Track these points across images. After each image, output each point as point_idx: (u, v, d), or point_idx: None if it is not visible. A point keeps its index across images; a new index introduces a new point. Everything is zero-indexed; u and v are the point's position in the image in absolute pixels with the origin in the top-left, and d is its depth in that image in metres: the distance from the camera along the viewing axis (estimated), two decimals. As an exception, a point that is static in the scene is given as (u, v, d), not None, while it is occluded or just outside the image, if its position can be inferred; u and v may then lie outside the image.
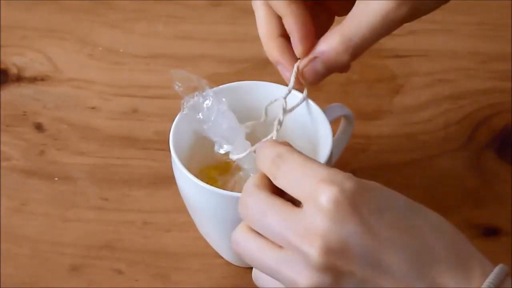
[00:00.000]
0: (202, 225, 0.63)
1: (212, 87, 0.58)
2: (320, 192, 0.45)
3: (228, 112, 0.57)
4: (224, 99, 0.57)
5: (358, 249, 0.44)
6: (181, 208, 0.63)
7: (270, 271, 0.46)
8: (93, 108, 0.76)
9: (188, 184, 0.58)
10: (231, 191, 0.57)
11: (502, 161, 0.71)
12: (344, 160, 0.69)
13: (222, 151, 0.58)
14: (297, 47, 0.55)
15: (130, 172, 0.71)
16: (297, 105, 0.59)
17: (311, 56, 0.55)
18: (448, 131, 0.74)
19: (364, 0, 0.53)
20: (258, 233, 0.47)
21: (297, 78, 0.56)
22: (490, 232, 0.66)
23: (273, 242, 0.46)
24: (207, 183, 0.56)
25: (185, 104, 0.57)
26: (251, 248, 0.47)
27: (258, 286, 0.49)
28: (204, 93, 0.57)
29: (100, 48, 0.82)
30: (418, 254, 0.45)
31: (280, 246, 0.46)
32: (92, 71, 0.79)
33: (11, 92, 0.77)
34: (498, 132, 0.73)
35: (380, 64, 0.80)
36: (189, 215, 0.63)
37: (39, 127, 0.74)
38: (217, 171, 0.63)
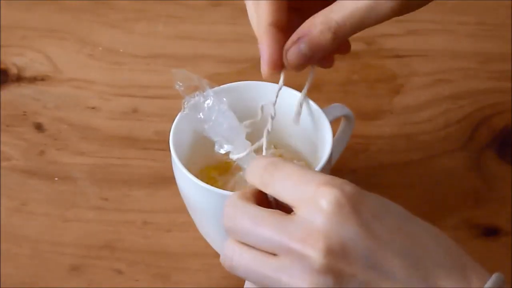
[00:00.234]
0: (202, 225, 0.63)
1: (213, 87, 0.58)
2: (321, 195, 0.45)
3: (229, 111, 0.57)
4: (225, 99, 0.57)
5: (359, 251, 0.44)
6: (181, 208, 0.63)
7: (269, 281, 0.45)
8: (93, 108, 0.76)
9: (188, 184, 0.58)
10: (231, 191, 0.57)
11: (502, 161, 0.71)
12: (344, 160, 0.69)
13: (222, 151, 0.58)
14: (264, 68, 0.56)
15: (130, 172, 0.71)
16: (278, 91, 0.59)
17: (294, 37, 0.55)
18: (448, 131, 0.74)
19: None
20: (249, 246, 0.46)
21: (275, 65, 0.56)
22: (490, 232, 0.66)
23: (266, 252, 0.45)
24: (207, 183, 0.56)
25: (186, 103, 0.57)
26: (246, 261, 0.46)
27: None
28: (205, 93, 0.57)
29: (100, 48, 0.82)
30: (419, 258, 0.45)
31: (274, 255, 0.45)
32: (92, 71, 0.79)
33: (11, 92, 0.77)
34: (498, 132, 0.73)
35: (380, 64, 0.80)
36: (189, 215, 0.63)
37: (39, 127, 0.74)
38: (217, 171, 0.63)
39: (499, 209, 0.68)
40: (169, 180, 0.63)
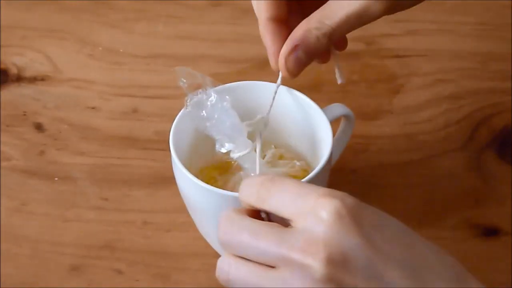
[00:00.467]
0: (202, 225, 0.63)
1: (217, 85, 0.58)
2: (321, 206, 0.44)
3: (231, 110, 0.57)
4: (227, 97, 0.57)
5: (360, 262, 0.44)
6: (181, 208, 0.63)
7: None
8: (93, 108, 0.76)
9: (188, 184, 0.58)
10: (231, 191, 0.57)
11: (502, 161, 0.71)
12: (344, 160, 0.69)
13: (223, 150, 0.58)
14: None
15: (130, 172, 0.71)
16: (276, 90, 0.59)
17: (290, 45, 0.55)
18: (448, 131, 0.74)
19: None
20: (245, 259, 0.46)
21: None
22: (490, 232, 0.66)
23: (264, 265, 0.45)
24: (207, 183, 0.56)
25: (188, 101, 0.57)
26: (243, 274, 0.45)
27: None
28: (208, 91, 0.57)
29: (100, 48, 0.82)
30: (418, 270, 0.45)
31: (273, 267, 0.45)
32: (92, 71, 0.79)
33: (11, 92, 0.77)
34: (498, 132, 0.73)
35: (380, 64, 0.80)
36: (189, 215, 0.63)
37: (39, 127, 0.74)
38: (217, 171, 0.63)
39: (499, 209, 0.68)
40: (169, 180, 0.63)
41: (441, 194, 0.69)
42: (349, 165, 0.71)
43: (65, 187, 0.69)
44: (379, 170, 0.71)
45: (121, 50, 0.81)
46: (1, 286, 0.63)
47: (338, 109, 0.63)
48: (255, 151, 0.58)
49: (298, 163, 0.63)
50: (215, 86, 0.58)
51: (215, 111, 0.56)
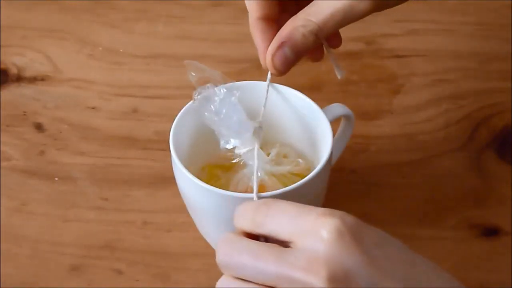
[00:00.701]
0: (202, 225, 0.63)
1: (226, 79, 0.58)
2: (321, 225, 0.44)
3: (239, 106, 0.57)
4: (235, 91, 0.57)
5: (362, 279, 0.43)
6: (181, 208, 0.63)
7: None
8: (93, 108, 0.76)
9: (188, 184, 0.58)
10: (235, 188, 0.57)
11: (502, 161, 0.71)
12: (344, 160, 0.69)
13: (228, 146, 0.58)
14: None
15: (130, 172, 0.71)
16: (267, 88, 0.59)
17: (276, 42, 0.55)
18: (448, 131, 0.74)
19: None
20: (245, 280, 0.46)
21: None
22: (490, 232, 0.66)
23: (265, 285, 0.45)
24: (210, 180, 0.56)
25: (197, 95, 0.57)
26: None
27: None
28: (216, 85, 0.57)
29: (100, 48, 0.82)
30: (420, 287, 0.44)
31: None
32: (92, 71, 0.79)
33: (11, 92, 0.77)
34: (498, 132, 0.73)
35: (380, 64, 0.80)
36: (189, 215, 0.63)
37: (39, 127, 0.74)
38: (220, 169, 0.63)
39: (499, 209, 0.68)
40: (169, 180, 0.63)
41: (441, 194, 0.69)
42: (349, 165, 0.71)
43: (65, 187, 0.70)
44: (379, 170, 0.71)
45: (121, 50, 0.81)
46: (1, 286, 0.63)
47: (338, 109, 0.63)
48: (261, 148, 0.58)
49: (302, 161, 0.63)
50: (225, 81, 0.58)
51: (223, 106, 0.56)
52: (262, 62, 0.57)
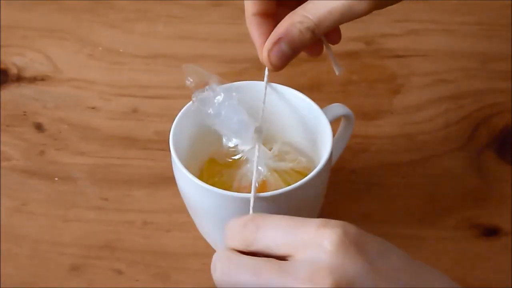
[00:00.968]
0: (202, 225, 0.63)
1: (223, 83, 0.58)
2: (323, 236, 0.44)
3: (239, 106, 0.57)
4: (234, 94, 0.57)
5: (367, 287, 0.43)
6: (181, 208, 0.63)
7: None
8: (93, 108, 0.76)
9: (188, 184, 0.58)
10: (239, 183, 0.57)
11: (502, 161, 0.71)
12: (344, 160, 0.69)
13: (231, 144, 0.58)
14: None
15: (130, 172, 0.71)
16: (265, 87, 0.59)
17: (274, 37, 0.55)
18: (448, 131, 0.74)
19: None
20: None
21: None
22: (490, 232, 0.66)
23: None
24: (212, 177, 0.56)
25: (195, 98, 0.57)
26: None
27: None
28: (214, 88, 0.57)
29: (100, 48, 0.82)
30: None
31: None
32: (92, 71, 0.79)
33: (11, 92, 0.77)
34: (498, 132, 0.73)
35: (380, 64, 0.80)
36: (189, 215, 0.63)
37: (39, 127, 0.74)
38: (222, 166, 0.63)
39: (499, 209, 0.68)
40: (169, 180, 0.63)
41: (441, 194, 0.69)
42: (349, 165, 0.71)
43: (65, 187, 0.69)
44: (379, 170, 0.71)
45: (121, 50, 0.81)
46: (1, 286, 0.63)
47: (338, 109, 0.63)
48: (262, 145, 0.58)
49: (304, 159, 0.63)
50: (222, 84, 0.58)
51: (222, 108, 0.56)
52: (260, 57, 0.58)
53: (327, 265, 0.43)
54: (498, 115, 0.75)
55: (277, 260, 0.45)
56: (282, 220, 0.46)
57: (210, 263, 0.64)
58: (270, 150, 0.61)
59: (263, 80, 0.61)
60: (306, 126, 0.63)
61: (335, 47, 0.59)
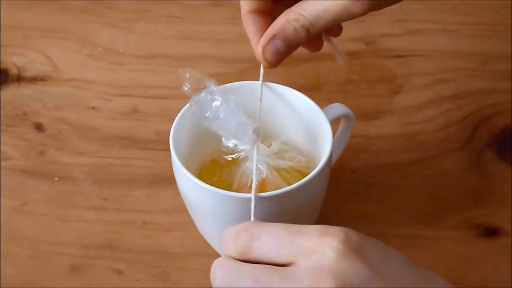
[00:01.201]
0: (202, 225, 0.63)
1: (219, 85, 0.58)
2: (326, 244, 0.44)
3: (236, 108, 0.57)
4: (232, 97, 0.57)
5: None
6: (181, 208, 0.63)
7: None
8: (93, 108, 0.76)
9: (188, 184, 0.58)
10: (239, 181, 0.57)
11: (502, 161, 0.71)
12: (344, 160, 0.69)
13: (230, 144, 0.58)
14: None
15: (130, 172, 0.71)
16: (261, 86, 0.60)
17: (269, 34, 0.55)
18: (448, 131, 0.74)
19: None
20: None
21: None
22: (490, 232, 0.66)
23: None
24: (212, 175, 0.56)
25: (192, 102, 0.57)
26: None
27: None
28: (211, 91, 0.57)
29: (100, 48, 0.82)
30: None
31: None
32: (92, 71, 0.79)
33: (11, 92, 0.77)
34: (498, 132, 0.73)
35: (380, 64, 0.80)
36: (189, 215, 0.63)
37: (39, 127, 0.74)
38: (222, 164, 0.62)
39: (499, 209, 0.68)
40: (169, 180, 0.63)
41: (441, 194, 0.69)
42: (349, 165, 0.71)
43: (65, 187, 0.69)
44: (379, 170, 0.71)
45: (121, 50, 0.81)
46: (1, 286, 0.63)
47: (338, 109, 0.63)
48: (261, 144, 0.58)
49: (303, 159, 0.63)
50: (219, 86, 0.58)
51: (220, 112, 0.56)
52: (255, 54, 0.58)
53: (330, 270, 0.43)
54: (498, 115, 0.75)
55: (277, 267, 0.45)
56: (279, 228, 0.46)
57: (210, 263, 0.64)
58: (269, 147, 0.61)
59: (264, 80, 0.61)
60: (306, 126, 0.63)
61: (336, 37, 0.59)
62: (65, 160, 0.72)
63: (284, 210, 0.56)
